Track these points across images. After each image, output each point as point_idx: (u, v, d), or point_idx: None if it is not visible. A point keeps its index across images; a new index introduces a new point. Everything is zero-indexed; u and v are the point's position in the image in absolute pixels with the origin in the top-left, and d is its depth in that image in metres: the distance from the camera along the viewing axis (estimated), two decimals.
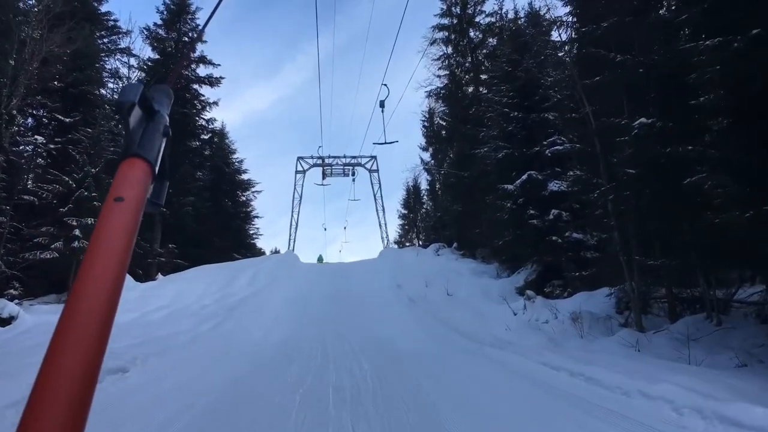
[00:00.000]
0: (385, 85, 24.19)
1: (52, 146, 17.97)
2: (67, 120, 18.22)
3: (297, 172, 37.19)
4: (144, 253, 21.18)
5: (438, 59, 29.67)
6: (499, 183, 17.80)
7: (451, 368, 8.23)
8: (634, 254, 10.56)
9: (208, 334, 11.50)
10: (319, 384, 6.89)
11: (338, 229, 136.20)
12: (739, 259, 8.20)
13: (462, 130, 25.77)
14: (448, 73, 29.70)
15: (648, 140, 9.04)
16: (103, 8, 24.82)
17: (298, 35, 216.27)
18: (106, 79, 23.95)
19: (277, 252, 43.30)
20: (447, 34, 29.33)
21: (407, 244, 41.76)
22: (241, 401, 6.08)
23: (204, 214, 27.81)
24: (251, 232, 36.84)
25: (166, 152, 0.75)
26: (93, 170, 17.05)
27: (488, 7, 29.24)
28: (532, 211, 16.13)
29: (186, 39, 28.99)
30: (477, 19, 28.99)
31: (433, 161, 35.10)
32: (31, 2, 17.65)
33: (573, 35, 13.87)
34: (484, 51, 28.63)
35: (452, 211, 27.54)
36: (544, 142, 16.99)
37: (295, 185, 37.07)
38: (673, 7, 9.72)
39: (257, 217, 36.99)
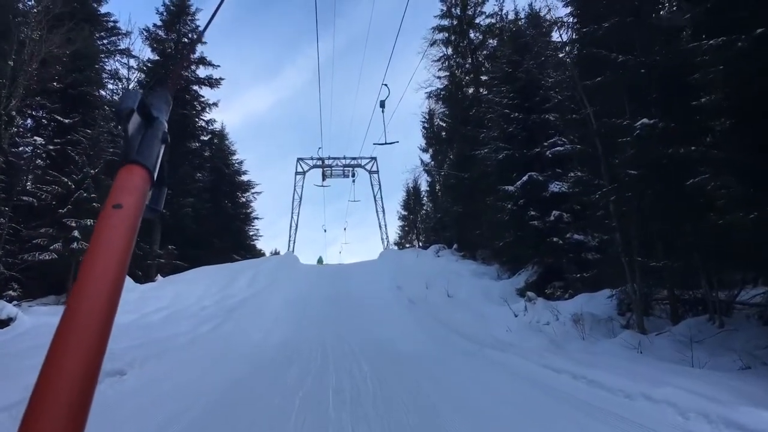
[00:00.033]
0: (386, 85, 24.12)
1: (51, 147, 17.91)
2: (67, 121, 18.15)
3: (297, 173, 37.18)
4: (143, 254, 21.12)
5: (438, 60, 29.69)
6: (500, 184, 17.75)
7: (451, 370, 8.18)
8: (636, 255, 10.50)
9: (207, 335, 11.44)
10: (318, 386, 6.84)
11: (338, 230, 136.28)
12: (743, 260, 8.14)
13: (462, 131, 25.72)
14: (448, 74, 29.68)
15: (650, 141, 8.99)
16: (103, 9, 24.80)
17: (298, 37, 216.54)
18: (105, 80, 23.97)
19: (277, 253, 43.32)
20: (447, 35, 29.30)
21: (407, 245, 41.73)
22: (241, 403, 6.03)
23: (203, 215, 27.75)
24: (251, 233, 36.84)
25: (165, 158, 0.76)
26: (92, 171, 16.99)
27: (488, 9, 29.13)
28: (532, 213, 16.07)
29: (185, 40, 28.97)
30: (477, 21, 28.99)
31: (433, 162, 35.06)
32: (30, 3, 17.64)
33: (573, 36, 13.82)
34: (485, 52, 28.60)
35: (452, 212, 27.48)
36: (545, 143, 16.94)
37: (294, 186, 37.07)
38: (674, 8, 9.68)
39: (257, 218, 37.01)
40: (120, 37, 25.77)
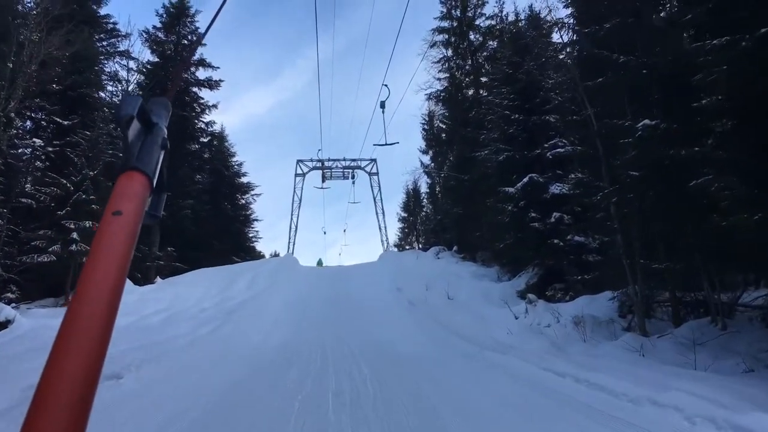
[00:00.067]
0: (386, 85, 24.02)
1: (50, 149, 17.88)
2: (66, 123, 18.12)
3: (296, 174, 37.16)
4: (143, 256, 21.07)
5: (438, 62, 29.68)
6: (500, 186, 17.71)
7: (451, 372, 8.12)
8: (638, 257, 10.45)
9: (206, 337, 11.37)
10: (318, 388, 6.78)
11: (338, 232, 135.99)
12: (746, 261, 8.09)
13: (462, 132, 25.69)
14: (448, 75, 29.67)
15: (652, 142, 8.94)
16: (102, 11, 24.81)
17: (299, 39, 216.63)
18: (105, 82, 23.95)
19: (276, 255, 43.28)
20: (447, 36, 29.29)
21: (407, 247, 41.74)
22: (240, 406, 5.96)
23: (203, 217, 27.71)
24: (251, 235, 36.82)
25: (164, 164, 0.76)
26: (91, 173, 16.93)
27: (488, 10, 29.04)
28: (533, 214, 16.02)
29: (185, 42, 28.96)
30: (477, 22, 29.00)
31: (433, 164, 35.05)
32: (29, 5, 17.61)
33: (574, 37, 13.79)
34: (485, 54, 28.58)
35: (452, 214, 27.44)
36: (546, 145, 16.90)
37: (294, 188, 37.05)
38: (676, 9, 9.64)
39: (257, 220, 36.98)
40: (119, 39, 25.81)
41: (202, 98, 29.78)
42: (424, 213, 42.28)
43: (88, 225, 15.76)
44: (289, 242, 37.09)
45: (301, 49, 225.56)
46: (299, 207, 37.17)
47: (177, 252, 24.17)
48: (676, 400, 5.03)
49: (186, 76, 27.30)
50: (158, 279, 20.95)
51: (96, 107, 19.87)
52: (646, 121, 8.91)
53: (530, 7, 27.23)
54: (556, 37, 16.00)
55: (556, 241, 15.16)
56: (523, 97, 17.81)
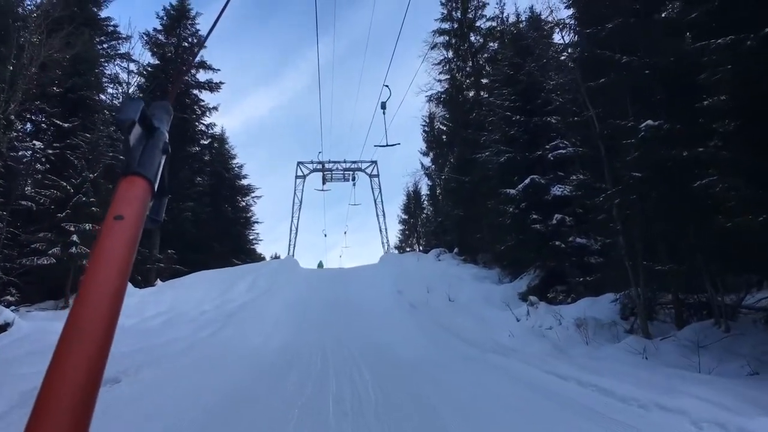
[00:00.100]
0: (387, 86, 23.65)
1: (50, 152, 17.82)
2: (66, 125, 18.07)
3: (297, 176, 37.08)
4: (143, 258, 21.02)
5: (438, 63, 29.60)
6: (501, 187, 17.64)
7: (454, 375, 8.05)
8: (640, 259, 10.38)
9: (206, 340, 11.30)
10: (318, 393, 6.71)
11: (338, 234, 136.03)
12: (751, 263, 8.03)
13: (463, 134, 25.63)
14: (448, 77, 29.58)
15: (654, 142, 8.88)
16: (103, 13, 24.80)
17: (299, 41, 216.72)
18: (105, 85, 23.90)
19: (277, 257, 43.16)
20: (448, 38, 29.21)
21: (408, 249, 41.62)
22: (239, 412, 5.90)
23: (203, 219, 27.65)
24: (251, 237, 36.71)
25: (166, 168, 0.76)
26: (91, 176, 16.88)
27: (489, 12, 28.98)
28: (534, 216, 15.94)
29: (186, 44, 28.94)
30: (478, 24, 28.92)
31: (433, 166, 34.97)
32: (29, 7, 17.60)
33: (576, 38, 13.73)
34: (485, 55, 28.51)
35: (453, 215, 27.35)
36: (547, 146, 16.83)
37: (295, 190, 36.95)
38: (678, 9, 9.57)
39: (257, 222, 36.91)
40: (120, 41, 25.73)
41: (203, 100, 29.79)
42: (424, 215, 42.19)
43: (88, 227, 15.72)
44: (289, 244, 36.99)
45: (302, 51, 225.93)
46: (300, 209, 37.10)
47: (177, 254, 24.13)
48: (683, 404, 4.94)
49: (186, 78, 27.30)
50: (158, 281, 20.90)
51: (96, 110, 19.82)
52: (649, 122, 8.84)
53: (531, 8, 27.03)
54: (557, 37, 15.93)
55: (557, 242, 15.10)
56: (524, 98, 17.75)
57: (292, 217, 36.81)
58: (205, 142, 31.60)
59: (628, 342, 9.64)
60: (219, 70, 29.62)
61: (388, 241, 38.94)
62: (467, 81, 28.90)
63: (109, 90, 24.75)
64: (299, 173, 37.06)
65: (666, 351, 8.95)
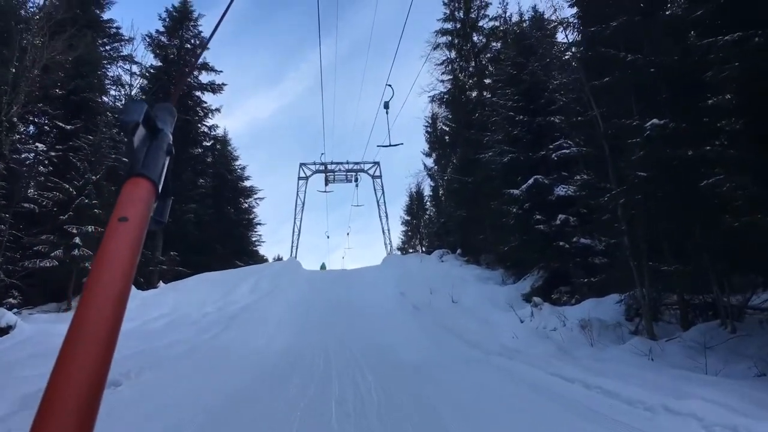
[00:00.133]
0: (390, 85, 23.77)
1: (53, 154, 17.83)
2: (69, 127, 18.05)
3: (299, 178, 37.09)
4: (146, 260, 20.98)
5: (441, 64, 29.54)
6: (505, 188, 17.54)
7: (457, 378, 7.98)
8: (645, 259, 10.29)
9: (208, 342, 11.25)
10: (321, 396, 6.66)
11: (341, 236, 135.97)
12: (757, 262, 7.94)
13: (465, 134, 25.55)
14: (451, 77, 29.51)
15: (660, 142, 8.79)
16: (105, 15, 24.81)
17: (301, 43, 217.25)
18: (108, 87, 23.92)
19: (279, 259, 43.11)
20: (450, 38, 29.18)
21: (410, 250, 41.52)
22: (241, 415, 5.84)
23: (206, 221, 27.60)
24: (253, 239, 36.62)
25: (169, 170, 0.76)
26: (94, 178, 16.88)
27: (492, 11, 28.90)
28: (538, 216, 15.84)
29: (188, 46, 28.94)
30: (480, 23, 28.85)
31: (436, 167, 34.86)
32: (32, 9, 17.63)
33: (579, 37, 13.64)
34: (488, 55, 28.45)
35: (456, 216, 27.26)
36: (551, 146, 16.73)
37: (297, 191, 36.96)
38: (684, 6, 9.47)
39: (259, 224, 36.78)
40: (122, 43, 25.77)
41: (205, 102, 29.73)
42: (427, 216, 42.09)
43: (90, 230, 15.70)
44: (292, 246, 37.01)
45: (304, 52, 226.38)
46: (302, 210, 37.13)
47: (180, 256, 24.09)
48: (692, 407, 4.83)
49: (189, 79, 27.30)
50: (161, 283, 20.87)
51: (99, 111, 19.79)
52: (655, 121, 8.75)
53: (534, 7, 26.90)
54: (561, 37, 15.84)
55: (561, 243, 15.00)
56: (527, 98, 17.65)
57: (295, 218, 36.86)
58: (208, 144, 31.58)
59: (634, 343, 9.55)
60: (221, 71, 29.61)
61: (390, 242, 38.94)
62: (470, 81, 28.84)
63: (112, 92, 24.83)
64: (302, 174, 37.10)
65: (672, 352, 8.86)
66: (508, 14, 28.03)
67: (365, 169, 37.94)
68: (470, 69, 28.82)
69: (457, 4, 28.96)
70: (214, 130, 31.14)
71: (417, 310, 15.92)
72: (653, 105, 9.74)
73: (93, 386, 0.50)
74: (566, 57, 14.90)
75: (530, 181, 16.18)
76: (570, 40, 14.25)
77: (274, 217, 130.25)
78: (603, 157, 11.55)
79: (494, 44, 28.38)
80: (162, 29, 28.78)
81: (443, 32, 29.16)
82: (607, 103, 11.65)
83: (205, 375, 8.17)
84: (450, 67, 29.45)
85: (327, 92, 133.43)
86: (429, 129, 35.20)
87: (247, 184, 34.76)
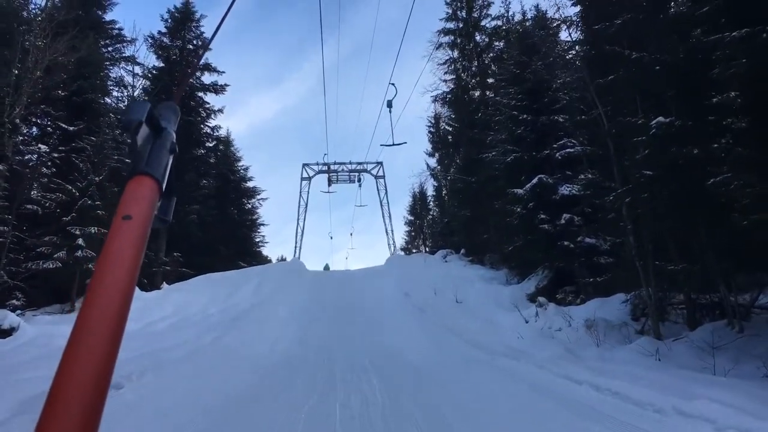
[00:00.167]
0: (393, 84, 23.52)
1: (55, 155, 17.80)
2: (71, 129, 18.06)
3: (303, 178, 37.07)
4: (149, 262, 20.97)
5: (444, 63, 29.49)
6: (508, 187, 17.45)
7: (462, 380, 7.91)
8: (651, 259, 10.20)
9: (211, 344, 11.20)
10: (325, 399, 6.60)
11: (344, 236, 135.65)
12: (765, 260, 7.85)
13: (469, 134, 25.48)
14: (454, 77, 29.46)
15: (665, 140, 8.70)
16: (107, 17, 24.83)
17: (304, 44, 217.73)
18: (110, 88, 23.91)
19: (283, 260, 43.14)
20: (453, 38, 29.13)
21: (414, 250, 41.47)
22: (244, 417, 5.79)
23: (209, 222, 27.59)
24: (257, 239, 36.59)
25: (173, 169, 0.76)
26: (97, 179, 16.88)
27: (494, 11, 28.88)
28: (542, 216, 15.75)
29: (191, 47, 28.95)
30: (483, 23, 28.80)
31: (439, 167, 34.81)
32: (34, 11, 17.63)
33: (582, 35, 13.55)
34: (491, 54, 28.40)
35: (460, 216, 27.19)
36: (554, 145, 16.64)
37: (300, 192, 36.95)
38: (688, 4, 9.38)
39: (263, 224, 36.72)
40: (125, 44, 25.81)
41: (208, 103, 29.77)
42: (430, 216, 42.05)
43: (93, 231, 15.70)
44: (295, 247, 37.00)
45: (306, 52, 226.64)
46: (305, 211, 37.09)
47: (183, 257, 24.09)
48: (704, 409, 4.73)
49: (191, 80, 27.30)
50: (164, 284, 20.85)
51: (101, 113, 19.79)
52: (660, 119, 8.65)
53: (537, 6, 26.82)
54: (564, 35, 15.76)
55: (566, 243, 14.90)
56: (530, 97, 17.56)
57: (298, 219, 36.86)
58: (211, 145, 31.60)
59: (640, 343, 9.46)
60: (224, 72, 29.61)
61: (394, 242, 38.89)
62: (473, 81, 28.78)
63: (114, 93, 24.82)
64: (305, 175, 37.08)
65: (679, 352, 8.77)
66: (510, 13, 28.09)
67: (368, 169, 37.91)
68: (473, 68, 28.75)
69: (459, 4, 28.94)
70: (217, 131, 31.21)
71: (421, 311, 15.83)
72: (658, 103, 9.64)
73: (97, 387, 0.50)
74: (570, 56, 14.80)
75: (534, 181, 16.09)
76: (573, 39, 14.17)
77: (278, 218, 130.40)
78: (608, 155, 11.46)
79: (497, 43, 28.34)
80: (164, 30, 28.87)
81: (446, 32, 29.13)
82: (611, 102, 11.56)
83: (208, 379, 8.10)
84: (453, 66, 29.41)
85: (330, 92, 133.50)
86: (432, 129, 35.19)
87: (250, 184, 34.78)
